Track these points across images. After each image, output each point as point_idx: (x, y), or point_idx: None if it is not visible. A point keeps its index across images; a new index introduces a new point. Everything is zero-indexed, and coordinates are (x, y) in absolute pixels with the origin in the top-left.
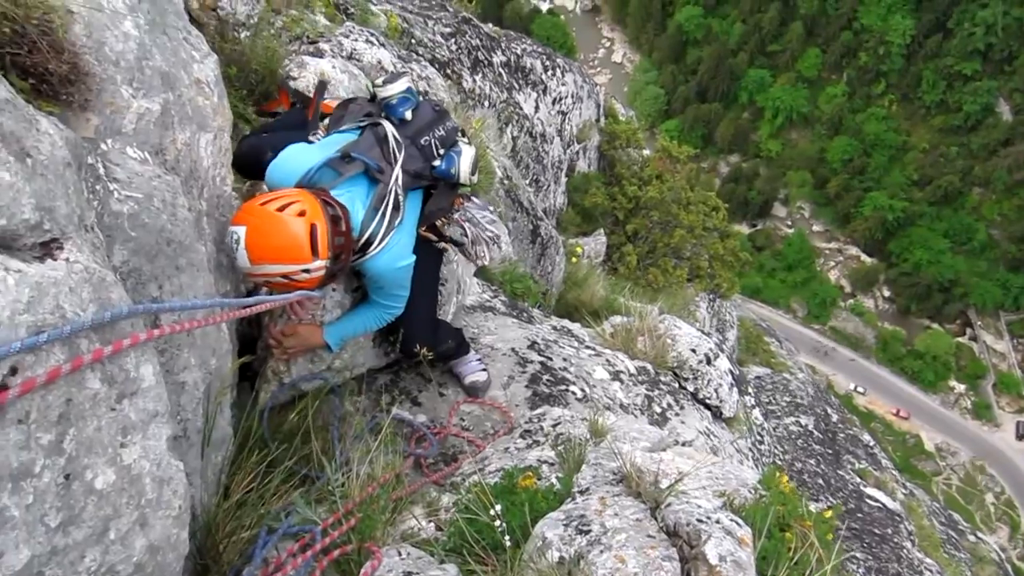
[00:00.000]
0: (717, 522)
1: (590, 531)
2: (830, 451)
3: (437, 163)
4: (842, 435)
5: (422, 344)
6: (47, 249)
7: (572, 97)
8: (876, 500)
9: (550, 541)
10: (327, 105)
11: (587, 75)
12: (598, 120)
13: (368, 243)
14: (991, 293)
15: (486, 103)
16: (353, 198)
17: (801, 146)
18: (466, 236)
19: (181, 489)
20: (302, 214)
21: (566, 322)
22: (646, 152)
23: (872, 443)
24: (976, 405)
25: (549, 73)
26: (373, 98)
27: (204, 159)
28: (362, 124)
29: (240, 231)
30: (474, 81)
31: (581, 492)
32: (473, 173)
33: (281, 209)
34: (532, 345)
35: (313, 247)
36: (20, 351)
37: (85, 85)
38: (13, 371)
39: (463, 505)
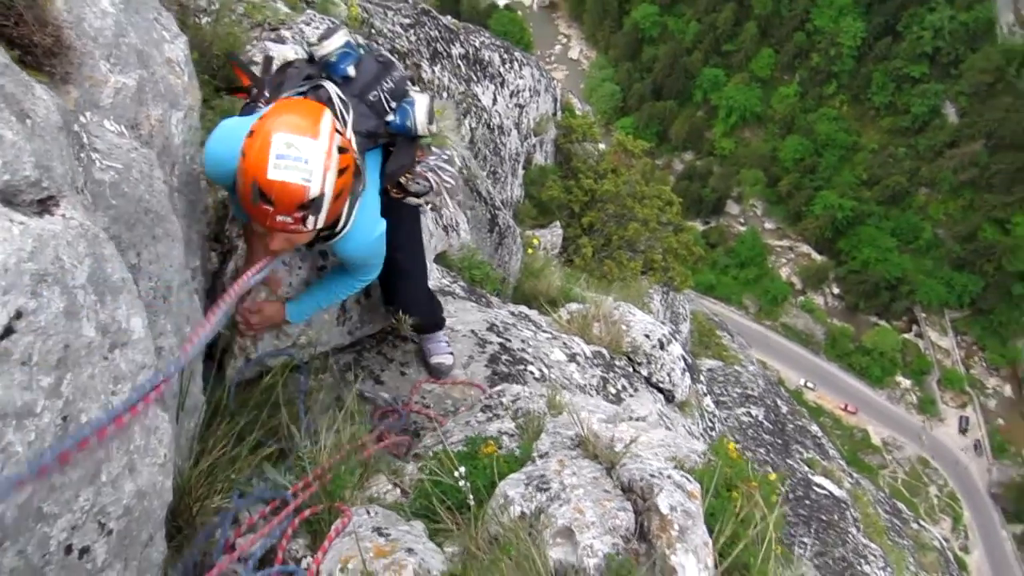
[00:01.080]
0: (668, 477)
1: (549, 488)
2: (779, 441)
3: (391, 118)
4: (791, 426)
5: (422, 316)
6: (44, 206)
7: (530, 91)
8: (823, 488)
9: (512, 498)
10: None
11: (544, 69)
12: (555, 114)
13: (335, 221)
14: (936, 291)
15: (445, 94)
16: None
17: (754, 145)
18: (430, 188)
19: (166, 439)
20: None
21: (523, 308)
22: (602, 146)
23: (820, 434)
24: (921, 400)
25: (507, 66)
26: (311, 59)
27: (176, 136)
28: (302, 89)
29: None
30: (433, 72)
31: (540, 456)
32: (431, 122)
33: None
34: (491, 327)
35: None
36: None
37: (67, 58)
38: (18, 315)
39: (428, 469)
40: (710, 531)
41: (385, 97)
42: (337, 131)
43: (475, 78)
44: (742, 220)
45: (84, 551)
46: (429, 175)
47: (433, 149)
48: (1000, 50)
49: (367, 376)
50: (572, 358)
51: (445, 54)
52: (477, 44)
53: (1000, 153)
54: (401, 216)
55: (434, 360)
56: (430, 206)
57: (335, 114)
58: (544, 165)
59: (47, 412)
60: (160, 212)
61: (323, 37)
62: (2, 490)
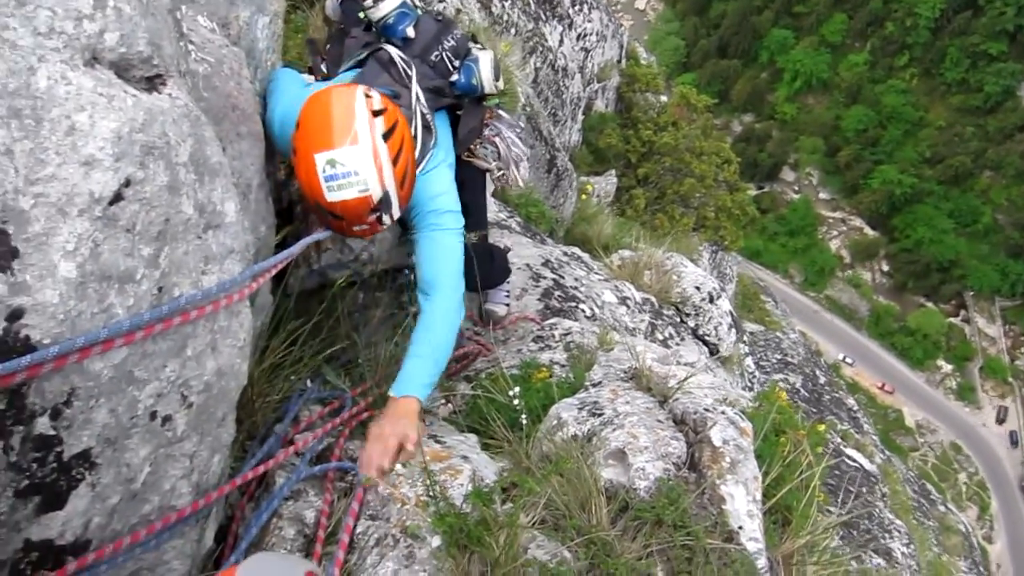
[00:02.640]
0: (722, 413)
1: (603, 414)
2: (815, 410)
3: (455, 77)
4: (828, 397)
5: (484, 278)
6: (152, 84)
7: (596, 35)
8: (855, 460)
9: (565, 420)
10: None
11: (612, 14)
12: (619, 61)
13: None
14: (989, 277)
15: (512, 31)
16: None
17: (816, 112)
18: (498, 156)
19: (247, 324)
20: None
21: (576, 249)
22: (663, 99)
23: (855, 408)
24: (961, 387)
25: (576, 8)
26: (368, 26)
27: (260, 40)
28: (361, 57)
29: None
30: (503, 7)
31: (594, 385)
32: (497, 79)
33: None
34: (546, 263)
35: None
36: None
37: None
38: (127, 183)
39: (482, 387)
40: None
41: (448, 56)
42: (372, 106)
43: (544, 17)
44: (796, 188)
45: (167, 419)
46: (497, 141)
47: (503, 115)
48: None
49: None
50: (623, 301)
51: None
52: None
53: None
54: (466, 177)
55: (487, 306)
56: (500, 173)
57: (399, 75)
58: (604, 112)
59: (145, 280)
60: (246, 110)
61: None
62: (122, 328)
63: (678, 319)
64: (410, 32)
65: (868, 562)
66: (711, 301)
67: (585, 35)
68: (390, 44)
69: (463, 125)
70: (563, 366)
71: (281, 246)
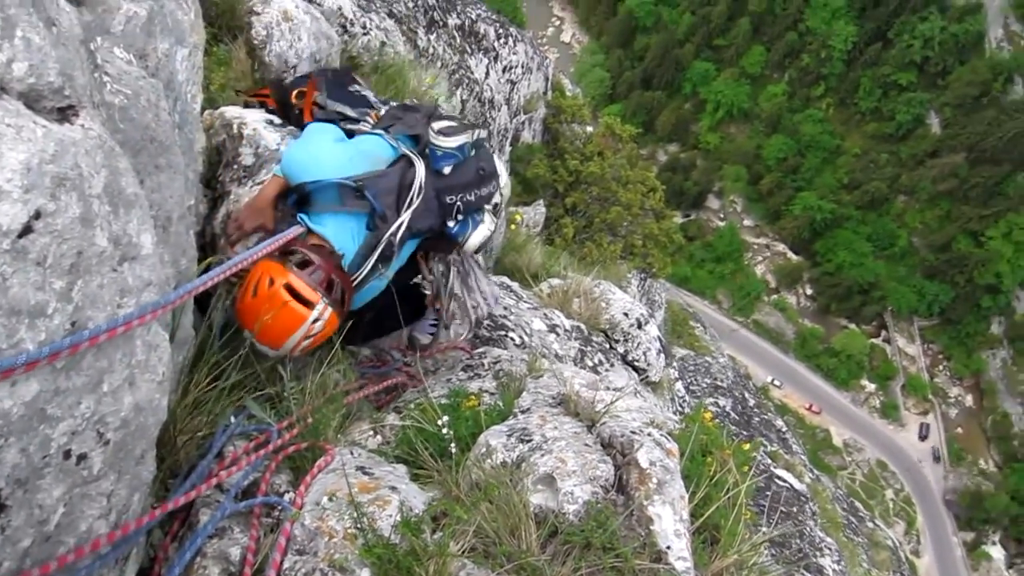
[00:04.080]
0: (648, 434)
1: (531, 440)
2: (745, 432)
3: (451, 223)
4: (757, 419)
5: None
6: (64, 115)
7: (522, 67)
8: (785, 481)
9: (494, 447)
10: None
11: (538, 47)
12: (545, 93)
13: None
14: (907, 298)
15: (439, 63)
16: (347, 234)
17: (739, 141)
18: (445, 285)
19: (165, 357)
20: (272, 283)
21: (505, 279)
22: (590, 129)
23: (784, 429)
24: (885, 405)
25: (501, 41)
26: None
27: (179, 72)
28: (401, 152)
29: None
30: (428, 40)
31: (522, 412)
32: (479, 251)
33: (256, 294)
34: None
35: (300, 300)
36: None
37: None
38: (37, 215)
39: (411, 418)
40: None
41: (460, 207)
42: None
43: (469, 50)
44: (721, 215)
45: (82, 457)
46: (452, 273)
47: (480, 262)
48: (988, 64)
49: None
50: (552, 328)
51: (441, 23)
52: (473, 16)
53: (980, 166)
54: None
55: (414, 334)
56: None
57: (404, 202)
58: (532, 143)
59: (58, 314)
60: (164, 142)
61: (444, 132)
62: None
63: (607, 345)
64: (446, 170)
65: None
66: (639, 327)
67: (511, 67)
68: (424, 161)
69: (432, 244)
70: (492, 394)
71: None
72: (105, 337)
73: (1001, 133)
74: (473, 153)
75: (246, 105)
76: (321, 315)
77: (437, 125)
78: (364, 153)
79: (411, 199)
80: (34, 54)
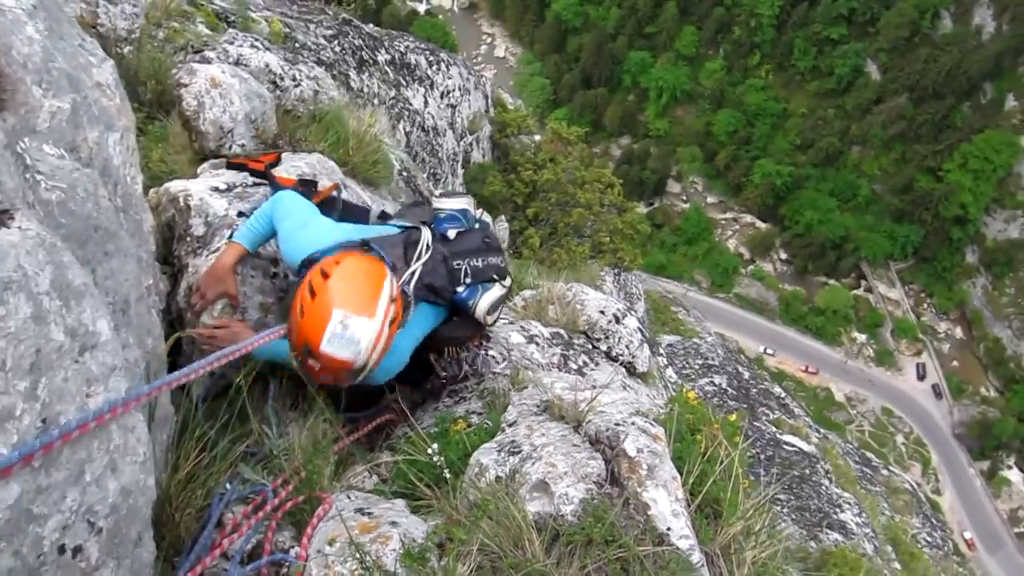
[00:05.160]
0: (632, 424)
1: (521, 451)
2: (745, 405)
3: (460, 289)
4: (755, 390)
5: None
6: (0, 219)
7: (459, 90)
8: (793, 445)
9: (486, 465)
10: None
11: (472, 67)
12: (487, 111)
13: None
14: (880, 245)
15: (375, 101)
16: None
17: (688, 122)
18: (458, 375)
19: (144, 437)
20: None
21: None
22: (538, 138)
23: (784, 395)
24: (878, 353)
25: (434, 68)
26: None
27: (114, 157)
28: (405, 225)
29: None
30: (361, 80)
31: (509, 425)
32: (490, 314)
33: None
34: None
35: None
36: None
37: (1, 86)
38: None
39: (402, 451)
40: (679, 472)
41: (467, 270)
42: (393, 292)
43: (404, 82)
44: (684, 198)
45: (77, 550)
46: (465, 367)
47: (492, 349)
48: (913, 4)
49: None
50: (531, 339)
51: (371, 61)
52: (402, 48)
53: (924, 104)
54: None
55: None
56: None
57: (411, 257)
58: (483, 162)
59: (26, 415)
60: (109, 228)
61: (445, 195)
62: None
63: (589, 346)
64: (451, 234)
65: (825, 539)
66: (618, 321)
67: (448, 92)
68: (430, 230)
69: (448, 328)
70: (480, 414)
71: (175, 349)
72: (77, 433)
73: (938, 68)
74: (478, 226)
75: (229, 166)
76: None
77: (438, 191)
78: (367, 228)
79: (419, 253)
80: None
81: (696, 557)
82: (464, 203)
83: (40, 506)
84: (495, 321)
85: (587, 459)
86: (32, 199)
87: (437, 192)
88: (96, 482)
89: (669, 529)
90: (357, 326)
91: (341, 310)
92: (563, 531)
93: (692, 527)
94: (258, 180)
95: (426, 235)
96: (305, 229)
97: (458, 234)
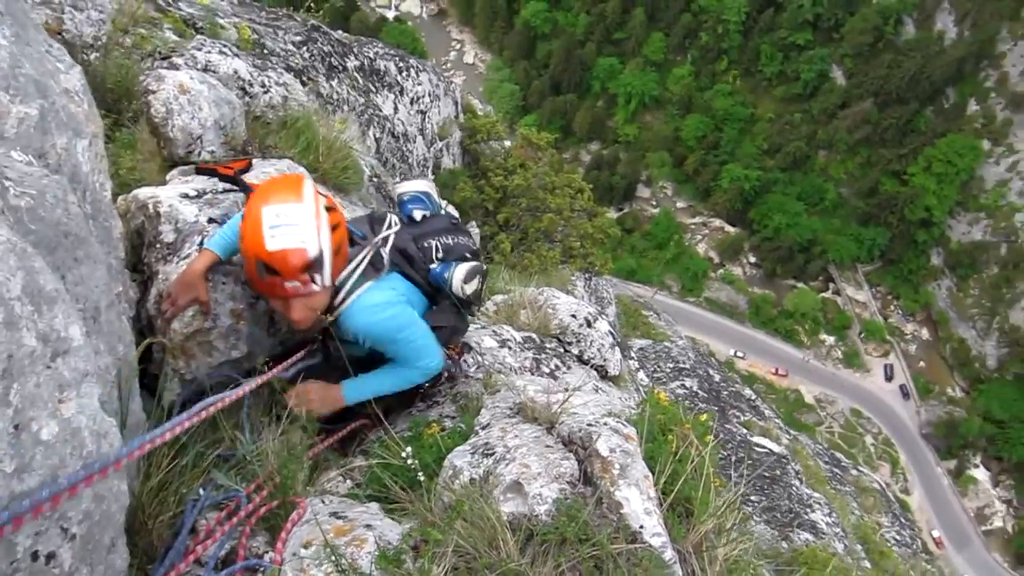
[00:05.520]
0: (605, 424)
1: (494, 453)
2: (716, 407)
3: (433, 266)
4: (726, 392)
5: None
6: None
7: (429, 96)
8: (763, 447)
9: (460, 467)
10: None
11: (441, 73)
12: (457, 117)
13: (338, 295)
14: (847, 248)
15: (345, 107)
16: None
17: (656, 128)
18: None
19: (116, 443)
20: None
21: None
22: (507, 143)
23: (754, 397)
24: (847, 355)
25: (404, 74)
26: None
27: (83, 164)
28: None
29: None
30: (331, 86)
31: (483, 428)
32: (468, 282)
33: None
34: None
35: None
36: None
37: None
38: None
39: (376, 455)
40: (651, 471)
41: (437, 247)
42: (321, 194)
43: (373, 88)
44: (654, 203)
45: (50, 556)
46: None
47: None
48: (876, 10)
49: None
50: (503, 344)
51: (340, 67)
52: (372, 55)
53: (889, 108)
54: None
55: None
56: None
57: (377, 229)
58: (453, 168)
59: (0, 420)
60: (79, 235)
61: (406, 179)
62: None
63: (561, 349)
64: (416, 215)
65: (796, 538)
66: (589, 325)
67: (418, 98)
68: (394, 213)
69: (432, 319)
70: (453, 418)
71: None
72: (67, 495)
73: (902, 73)
74: (443, 212)
75: (199, 172)
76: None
77: (398, 178)
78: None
79: (388, 223)
80: None
81: (669, 554)
82: (425, 185)
83: (14, 511)
84: (477, 297)
85: (560, 459)
86: (1, 205)
87: (397, 179)
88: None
89: (642, 527)
90: (289, 211)
91: (268, 206)
92: (537, 531)
93: (664, 525)
94: (228, 187)
95: (391, 216)
96: None
97: (423, 216)
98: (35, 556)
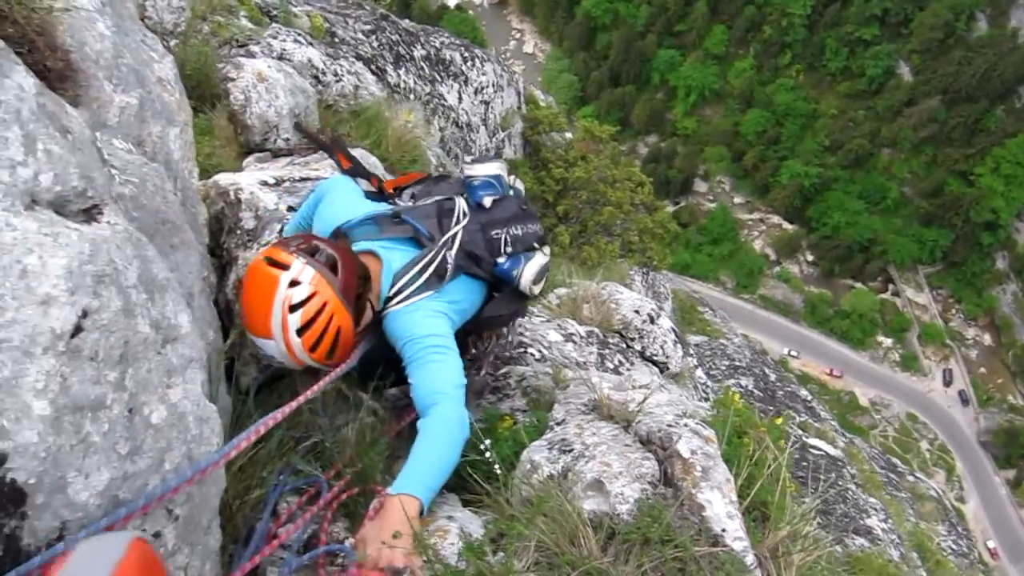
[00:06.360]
0: (685, 425)
1: (573, 450)
2: (771, 408)
3: (501, 260)
4: (781, 392)
5: None
6: (90, 214)
7: (493, 86)
8: (819, 449)
9: (538, 462)
10: (409, 175)
11: (505, 64)
12: (519, 107)
13: (394, 296)
14: (908, 248)
15: (411, 96)
16: (392, 252)
17: (715, 122)
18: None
19: (218, 428)
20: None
21: None
22: (568, 135)
23: (810, 398)
24: (904, 358)
25: (469, 64)
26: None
27: (174, 151)
28: (430, 201)
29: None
30: (398, 75)
31: (558, 424)
32: (536, 283)
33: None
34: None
35: (275, 264)
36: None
37: (76, 81)
38: (84, 314)
39: None
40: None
41: (507, 239)
42: (292, 300)
43: (439, 78)
44: (711, 197)
45: (156, 536)
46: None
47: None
48: (947, 6)
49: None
50: (568, 338)
51: (407, 57)
52: (438, 44)
53: (957, 107)
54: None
55: None
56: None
57: (447, 225)
58: (514, 158)
59: (116, 404)
60: (176, 222)
61: (477, 161)
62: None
63: (624, 345)
64: (487, 202)
65: (851, 544)
66: (652, 322)
67: (482, 88)
68: (463, 199)
69: (492, 307)
70: (524, 411)
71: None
72: (186, 486)
73: (972, 71)
74: (512, 193)
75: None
76: (300, 277)
77: (468, 158)
78: (358, 189)
79: (457, 217)
80: (56, 163)
81: (750, 559)
82: (497, 167)
83: (126, 493)
84: (541, 292)
85: (641, 459)
86: (115, 193)
87: (467, 159)
88: (175, 470)
89: (724, 530)
90: (264, 345)
91: (251, 335)
92: (619, 530)
93: (744, 530)
94: (305, 176)
95: (460, 204)
96: (334, 205)
97: (494, 202)
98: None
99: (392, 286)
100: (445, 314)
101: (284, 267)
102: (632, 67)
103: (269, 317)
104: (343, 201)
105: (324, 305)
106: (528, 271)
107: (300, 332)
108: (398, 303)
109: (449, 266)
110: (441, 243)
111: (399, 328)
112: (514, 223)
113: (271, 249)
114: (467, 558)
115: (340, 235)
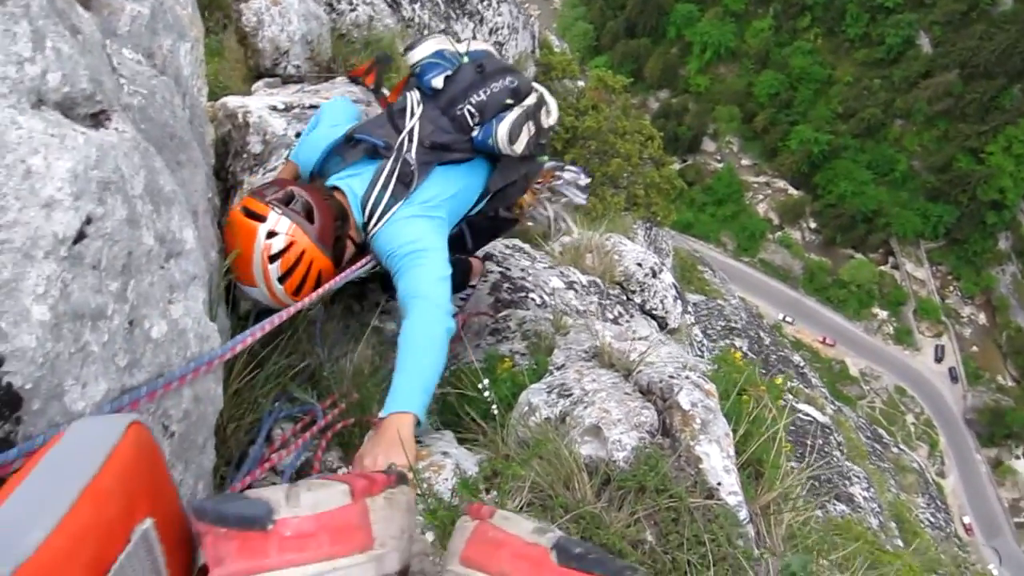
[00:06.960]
0: (686, 377)
1: (572, 394)
2: (764, 370)
3: (475, 133)
4: (774, 356)
5: None
6: (98, 120)
7: (508, 28)
8: (808, 415)
9: (536, 405)
10: (397, 87)
11: (521, 6)
12: (533, 52)
13: (368, 221)
14: (912, 222)
15: (425, 31)
16: (353, 180)
17: (729, 81)
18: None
19: (217, 347)
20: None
21: (517, 241)
22: (581, 83)
23: (802, 364)
24: (898, 331)
25: (485, 3)
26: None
27: (184, 67)
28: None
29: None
30: (413, 10)
31: (557, 368)
32: (514, 141)
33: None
34: (489, 257)
35: (252, 215)
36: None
37: None
38: (88, 220)
39: (450, 383)
40: None
41: (470, 111)
42: (271, 250)
43: (454, 15)
44: (718, 157)
45: None
46: (549, 206)
47: (570, 169)
48: None
49: (373, 308)
50: (570, 285)
51: None
52: None
53: (974, 82)
54: (480, 227)
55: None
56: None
57: (400, 126)
58: None
59: (116, 315)
60: (184, 138)
61: (408, 48)
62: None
63: (624, 297)
64: (436, 83)
65: (832, 509)
66: (654, 276)
67: (497, 29)
68: (420, 92)
69: (494, 181)
70: (523, 354)
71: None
72: (176, 384)
73: (993, 47)
74: (466, 59)
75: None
76: (276, 227)
77: (402, 48)
78: (348, 113)
79: (410, 113)
80: (65, 63)
81: (743, 514)
82: (434, 44)
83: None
84: (535, 145)
85: (640, 408)
86: (124, 101)
87: (403, 47)
88: (174, 388)
89: (720, 484)
90: (252, 292)
91: (237, 282)
92: (614, 476)
93: (740, 485)
94: (314, 103)
95: (410, 97)
96: (314, 131)
97: (446, 79)
98: None
99: (363, 212)
100: (421, 216)
101: (261, 218)
102: (649, 19)
103: (251, 266)
104: (323, 131)
105: (302, 253)
106: (500, 134)
107: (282, 280)
108: (375, 225)
109: (413, 167)
110: (396, 147)
111: (380, 249)
112: (473, 90)
113: (248, 199)
114: (461, 494)
115: (315, 176)
